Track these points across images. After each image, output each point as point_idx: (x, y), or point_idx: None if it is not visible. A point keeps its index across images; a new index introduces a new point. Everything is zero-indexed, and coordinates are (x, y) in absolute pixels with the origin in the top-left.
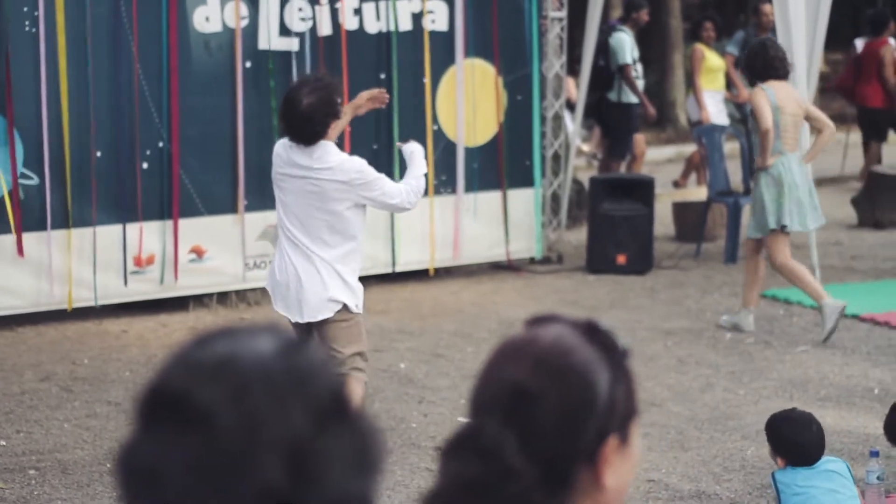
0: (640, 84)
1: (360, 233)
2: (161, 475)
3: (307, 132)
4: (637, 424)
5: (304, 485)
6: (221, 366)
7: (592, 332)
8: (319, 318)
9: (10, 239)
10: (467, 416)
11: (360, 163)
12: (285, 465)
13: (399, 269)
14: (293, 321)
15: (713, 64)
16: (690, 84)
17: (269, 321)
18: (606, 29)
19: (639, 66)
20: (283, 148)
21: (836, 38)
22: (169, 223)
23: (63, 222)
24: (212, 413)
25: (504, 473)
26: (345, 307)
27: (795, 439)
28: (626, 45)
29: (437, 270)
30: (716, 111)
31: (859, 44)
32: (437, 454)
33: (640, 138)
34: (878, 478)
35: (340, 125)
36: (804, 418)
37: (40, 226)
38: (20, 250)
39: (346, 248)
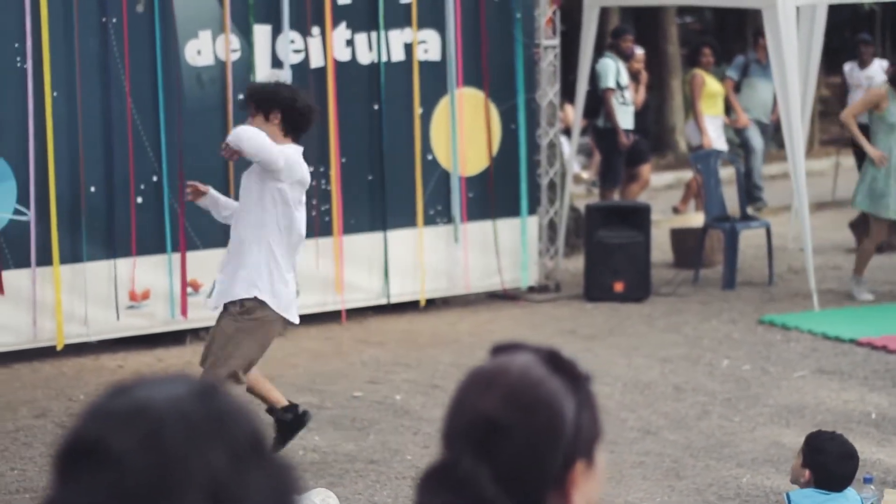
0: (629, 110)
1: None
2: None
3: None
4: (602, 445)
5: None
6: (134, 411)
7: (556, 360)
8: None
9: None
10: (440, 445)
11: None
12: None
13: (393, 300)
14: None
15: (713, 89)
16: (690, 109)
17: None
18: (596, 55)
19: (626, 93)
20: None
21: (837, 62)
22: (166, 257)
23: (50, 258)
24: (124, 456)
25: None
26: None
27: (836, 467)
28: (608, 70)
29: (434, 301)
30: (715, 136)
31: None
32: (414, 486)
33: (646, 168)
34: None
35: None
36: (850, 450)
37: (29, 262)
38: (0, 288)
39: None
